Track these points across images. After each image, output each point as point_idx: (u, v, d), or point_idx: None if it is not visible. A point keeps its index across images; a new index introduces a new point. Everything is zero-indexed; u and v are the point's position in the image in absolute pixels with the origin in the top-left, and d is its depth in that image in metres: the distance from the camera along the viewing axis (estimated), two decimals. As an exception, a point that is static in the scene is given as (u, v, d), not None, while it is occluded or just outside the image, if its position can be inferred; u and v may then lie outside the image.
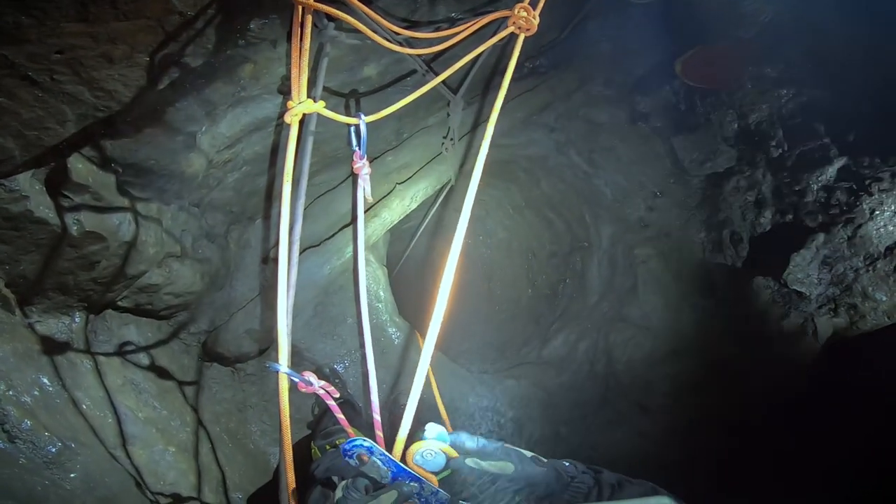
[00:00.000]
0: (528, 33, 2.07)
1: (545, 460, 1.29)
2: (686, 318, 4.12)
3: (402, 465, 1.19)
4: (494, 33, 2.21)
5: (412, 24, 2.57)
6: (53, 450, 1.97)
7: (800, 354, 3.77)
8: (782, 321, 3.81)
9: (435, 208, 4.51)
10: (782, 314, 3.81)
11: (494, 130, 1.65)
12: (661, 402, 3.92)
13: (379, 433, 1.36)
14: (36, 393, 2.03)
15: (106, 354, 2.44)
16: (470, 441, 1.23)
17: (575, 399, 4.50)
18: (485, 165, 1.54)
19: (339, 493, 1.14)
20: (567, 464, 1.30)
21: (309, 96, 1.68)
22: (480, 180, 1.51)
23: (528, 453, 1.29)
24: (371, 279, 3.99)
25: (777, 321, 3.83)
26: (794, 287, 3.76)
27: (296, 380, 1.38)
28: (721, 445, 3.84)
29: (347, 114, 2.58)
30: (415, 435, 1.24)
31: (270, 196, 3.14)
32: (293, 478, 1.45)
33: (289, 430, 1.40)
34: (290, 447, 1.41)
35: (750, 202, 4.16)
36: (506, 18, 2.10)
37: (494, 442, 1.26)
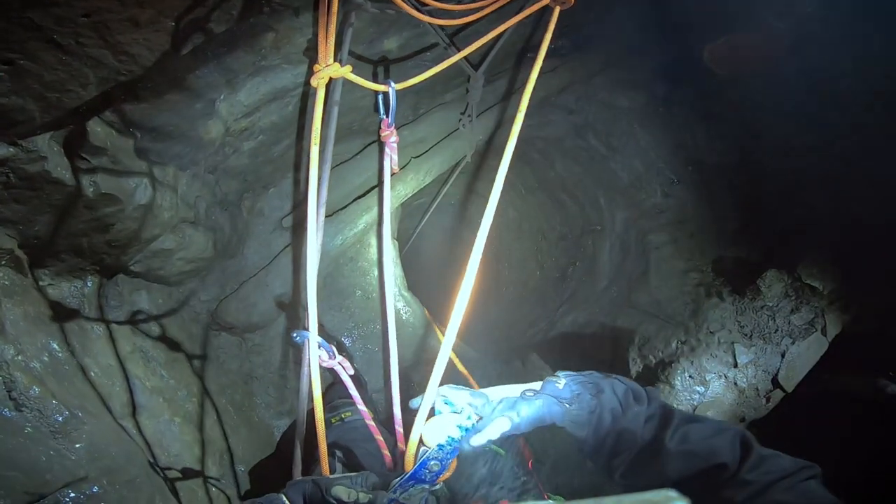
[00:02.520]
0: (565, 6, 1.99)
1: (537, 388, 1.29)
2: (697, 306, 4.09)
3: (414, 468, 1.21)
4: (521, 8, 2.15)
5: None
6: (60, 419, 1.89)
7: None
8: (793, 315, 3.78)
9: (448, 185, 4.46)
10: (793, 308, 3.77)
11: (512, 110, 1.62)
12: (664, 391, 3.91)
13: (402, 446, 1.35)
14: (45, 358, 1.96)
15: (117, 322, 2.44)
16: (456, 395, 1.25)
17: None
18: (502, 149, 1.53)
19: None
20: (563, 383, 1.29)
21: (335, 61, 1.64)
22: (494, 160, 1.49)
23: (518, 389, 1.30)
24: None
25: (788, 315, 3.80)
26: (808, 281, 3.72)
27: (322, 351, 1.37)
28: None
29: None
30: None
31: (285, 166, 3.12)
32: (325, 448, 1.47)
33: (321, 401, 1.41)
34: (323, 420, 1.42)
35: (769, 193, 4.09)
36: (541, -8, 2.04)
37: (480, 394, 1.28)
